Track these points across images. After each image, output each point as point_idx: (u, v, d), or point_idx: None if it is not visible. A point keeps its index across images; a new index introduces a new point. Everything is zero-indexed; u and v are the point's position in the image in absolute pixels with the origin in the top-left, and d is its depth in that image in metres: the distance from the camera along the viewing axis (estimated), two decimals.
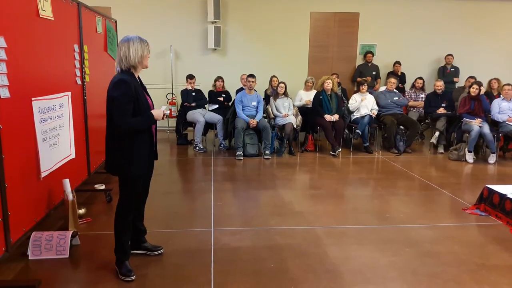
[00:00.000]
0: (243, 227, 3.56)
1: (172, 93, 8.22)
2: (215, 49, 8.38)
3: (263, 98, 6.68)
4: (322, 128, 6.45)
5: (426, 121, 7.18)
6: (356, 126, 6.54)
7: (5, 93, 2.49)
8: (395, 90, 7.09)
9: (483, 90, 6.63)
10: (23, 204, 2.75)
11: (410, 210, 4.06)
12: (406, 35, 8.84)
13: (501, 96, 6.43)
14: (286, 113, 6.51)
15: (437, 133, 6.69)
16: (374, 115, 6.63)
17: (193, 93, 6.96)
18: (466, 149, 6.08)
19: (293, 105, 6.77)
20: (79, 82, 3.84)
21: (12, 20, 2.60)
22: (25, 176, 2.78)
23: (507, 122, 6.12)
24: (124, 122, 2.47)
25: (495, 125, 6.32)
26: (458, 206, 4.20)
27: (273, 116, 6.62)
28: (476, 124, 6.05)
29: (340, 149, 6.43)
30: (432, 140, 6.79)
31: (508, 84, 6.35)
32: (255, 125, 6.21)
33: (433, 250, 3.17)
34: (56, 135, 3.25)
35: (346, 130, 6.95)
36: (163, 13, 8.20)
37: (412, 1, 8.74)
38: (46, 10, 3.06)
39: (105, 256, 2.96)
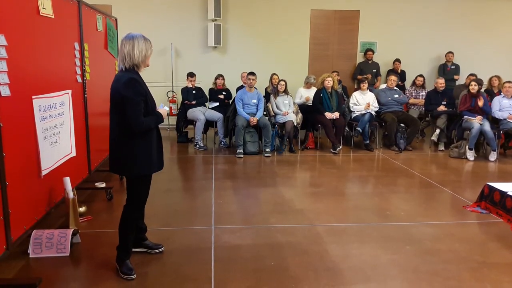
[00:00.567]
0: (244, 225, 3.56)
1: (173, 91, 8.21)
2: (216, 47, 8.36)
3: (264, 96, 6.68)
4: (323, 125, 6.44)
5: (427, 118, 7.18)
6: (357, 123, 6.53)
7: (5, 91, 2.49)
8: (395, 88, 7.09)
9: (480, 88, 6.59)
10: (24, 202, 2.75)
11: (410, 207, 4.06)
12: (406, 32, 8.82)
13: (501, 93, 6.43)
14: (287, 111, 6.51)
15: (437, 131, 6.69)
16: (369, 107, 6.58)
17: (194, 91, 6.95)
18: (467, 146, 6.07)
19: (294, 103, 6.77)
20: (79, 80, 3.84)
21: (13, 18, 2.60)
22: (26, 174, 2.78)
23: (507, 120, 6.11)
24: (140, 122, 2.45)
25: (495, 122, 6.32)
26: (458, 203, 4.20)
27: (273, 114, 6.61)
28: (476, 122, 6.05)
29: (340, 147, 6.42)
30: (432, 138, 6.78)
31: (509, 82, 6.35)
32: (255, 123, 6.20)
33: (433, 248, 3.17)
34: (57, 133, 3.25)
35: (347, 128, 6.95)
36: (163, 11, 8.19)
37: None
38: (46, 8, 3.06)
39: (106, 254, 2.97)
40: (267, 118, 6.44)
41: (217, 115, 6.67)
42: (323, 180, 4.99)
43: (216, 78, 7.26)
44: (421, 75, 7.68)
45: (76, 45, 3.76)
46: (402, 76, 8.52)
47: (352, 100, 6.82)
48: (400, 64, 8.56)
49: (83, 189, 4.16)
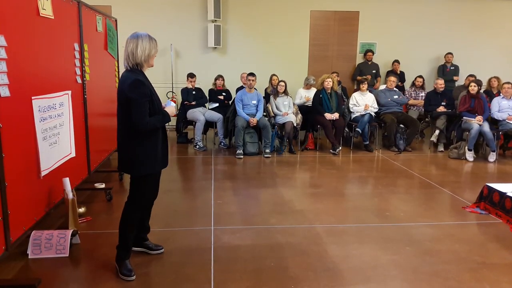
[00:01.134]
0: (243, 226, 3.56)
1: (172, 92, 8.22)
2: (215, 47, 8.37)
3: (263, 97, 6.68)
4: (322, 126, 6.44)
5: (426, 119, 7.18)
6: (356, 124, 6.54)
7: (5, 92, 2.49)
8: (395, 89, 7.09)
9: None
10: (23, 202, 2.74)
11: (410, 208, 4.06)
12: (406, 33, 8.83)
13: (500, 94, 6.44)
14: (286, 111, 6.51)
15: (437, 132, 6.70)
16: (367, 108, 6.58)
17: (193, 92, 6.96)
18: (466, 147, 6.08)
19: (293, 104, 6.77)
20: (79, 80, 3.84)
21: (12, 19, 2.60)
22: (25, 175, 2.78)
23: (507, 121, 6.12)
24: (145, 123, 2.47)
25: (495, 123, 6.33)
26: (458, 204, 4.20)
27: (273, 115, 6.61)
28: (476, 123, 6.05)
29: (340, 148, 6.43)
30: (432, 139, 6.79)
31: (508, 83, 6.36)
32: (255, 124, 6.20)
33: (433, 249, 3.17)
34: (56, 133, 3.25)
35: (346, 129, 6.95)
36: (163, 11, 8.20)
37: (412, 0, 8.72)
38: (46, 9, 3.06)
39: (105, 255, 2.96)
40: (266, 118, 6.44)
41: (217, 116, 6.67)
42: (323, 180, 4.99)
43: (216, 79, 7.27)
44: (420, 76, 7.69)
45: (76, 46, 3.76)
46: (401, 77, 8.53)
47: (351, 101, 6.83)
48: (399, 65, 8.57)
49: (82, 189, 4.15)
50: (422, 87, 7.65)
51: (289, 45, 8.62)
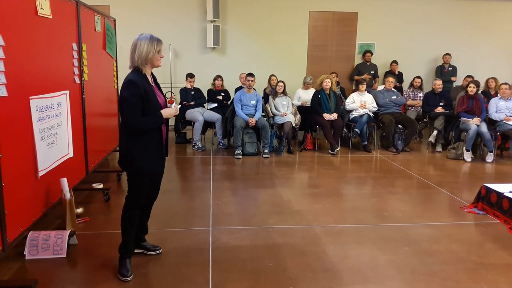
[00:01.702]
0: (242, 226, 3.56)
1: (171, 92, 8.21)
2: (214, 47, 8.37)
3: (262, 97, 6.68)
4: (321, 127, 6.45)
5: (424, 120, 7.19)
6: (355, 125, 6.54)
7: (2, 92, 2.48)
8: (393, 89, 7.10)
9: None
10: (20, 203, 2.73)
11: (408, 208, 4.06)
12: (404, 34, 8.85)
13: (498, 95, 6.45)
14: (285, 112, 6.51)
15: (435, 132, 6.71)
16: (365, 106, 6.58)
17: (192, 92, 6.95)
18: (464, 148, 6.09)
19: (292, 104, 6.77)
20: (77, 80, 3.83)
21: (10, 18, 2.59)
22: (22, 175, 2.77)
23: (504, 121, 6.13)
24: (134, 122, 2.51)
25: (492, 124, 6.34)
26: (456, 204, 4.21)
27: (272, 115, 6.62)
28: (474, 123, 6.07)
29: (338, 148, 6.43)
30: (430, 139, 6.80)
31: (505, 83, 6.38)
32: (254, 124, 6.20)
33: (431, 249, 3.17)
34: (54, 133, 3.24)
35: (345, 129, 6.95)
36: (162, 11, 8.19)
37: (410, 1, 8.74)
38: (44, 8, 3.05)
39: (103, 256, 2.96)
40: (265, 119, 6.44)
41: (215, 116, 6.67)
42: (321, 181, 4.99)
43: (214, 79, 7.26)
44: (418, 77, 7.70)
45: (74, 46, 3.75)
46: (399, 77, 8.54)
47: (349, 100, 6.83)
48: (397, 65, 8.58)
49: (80, 190, 4.14)
50: (420, 88, 7.67)
51: (288, 45, 8.62)
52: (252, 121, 6.18)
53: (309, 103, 6.86)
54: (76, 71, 3.79)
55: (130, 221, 2.71)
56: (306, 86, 7.26)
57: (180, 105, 2.80)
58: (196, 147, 6.53)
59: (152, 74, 2.72)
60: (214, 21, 8.20)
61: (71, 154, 3.60)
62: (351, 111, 6.77)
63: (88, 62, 4.10)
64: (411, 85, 7.76)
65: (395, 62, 8.58)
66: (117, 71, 5.28)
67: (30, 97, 2.84)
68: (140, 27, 7.50)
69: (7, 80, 2.52)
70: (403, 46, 8.86)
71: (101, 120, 4.55)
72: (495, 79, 7.48)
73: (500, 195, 3.83)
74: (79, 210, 3.70)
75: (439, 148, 6.70)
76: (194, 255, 3.01)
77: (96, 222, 3.60)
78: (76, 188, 3.77)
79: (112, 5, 7.96)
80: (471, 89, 6.28)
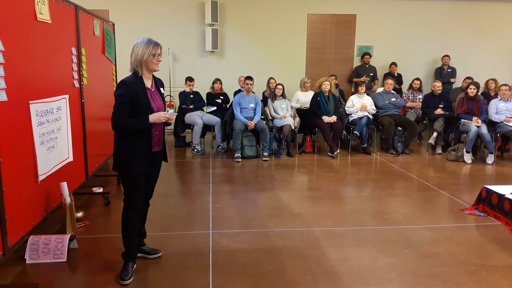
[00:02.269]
0: (242, 229, 3.55)
1: (170, 95, 8.21)
2: (213, 51, 8.38)
3: (261, 100, 6.69)
4: (320, 129, 6.45)
5: (424, 122, 7.20)
6: (354, 127, 6.55)
7: (2, 96, 2.48)
8: (392, 91, 7.11)
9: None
10: (21, 207, 2.73)
11: (408, 211, 4.06)
12: (403, 36, 8.87)
13: (498, 96, 6.46)
14: (284, 114, 6.52)
15: (435, 134, 6.71)
16: (365, 108, 6.59)
17: (191, 95, 6.96)
18: (464, 149, 6.09)
19: (291, 107, 6.78)
20: (76, 85, 3.83)
21: (10, 23, 2.60)
22: (23, 180, 2.77)
23: (504, 122, 6.14)
24: (117, 122, 2.55)
25: (492, 125, 6.34)
26: (456, 206, 4.21)
27: (271, 118, 6.62)
28: (474, 124, 6.07)
29: (338, 151, 6.43)
30: (430, 141, 6.80)
31: (505, 85, 6.39)
32: (253, 127, 6.21)
33: (432, 251, 3.17)
34: (54, 138, 3.24)
35: (344, 131, 6.95)
36: (160, 15, 8.21)
37: (409, 3, 8.77)
38: (43, 13, 3.06)
39: (103, 260, 2.95)
40: (264, 122, 6.45)
41: (214, 119, 6.67)
42: (321, 183, 4.99)
43: (213, 83, 7.27)
44: (417, 79, 7.71)
45: (74, 50, 3.76)
46: (399, 79, 8.55)
47: (348, 103, 6.84)
48: (396, 67, 8.59)
49: (80, 194, 4.15)
50: (419, 90, 7.68)
51: (286, 48, 8.64)
52: (251, 124, 6.18)
53: (308, 105, 6.87)
54: (76, 76, 3.80)
55: (127, 224, 2.71)
56: (305, 87, 7.29)
57: (176, 114, 2.79)
58: (195, 150, 6.53)
59: (156, 79, 2.73)
60: (213, 24, 8.21)
61: (71, 158, 3.60)
62: (350, 114, 6.77)
63: (87, 67, 4.11)
64: (410, 87, 7.77)
65: (394, 64, 8.59)
66: (116, 75, 5.29)
67: (30, 102, 2.84)
68: (139, 31, 7.54)
69: (7, 85, 2.53)
70: (402, 48, 8.88)
71: (100, 124, 4.56)
72: (495, 80, 7.48)
73: (501, 196, 3.83)
74: (79, 214, 3.69)
75: (439, 150, 6.70)
76: (194, 259, 3.00)
77: (96, 226, 3.60)
78: (76, 192, 3.77)
79: (111, 9, 7.99)
80: (471, 91, 6.29)
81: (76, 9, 3.83)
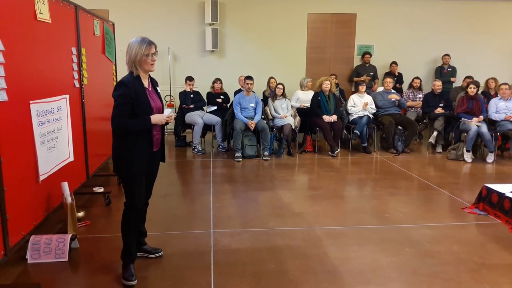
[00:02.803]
0: (243, 229, 3.55)
1: (170, 95, 8.21)
2: (213, 50, 8.38)
3: (261, 100, 6.69)
4: (321, 129, 6.45)
5: (424, 121, 7.20)
6: (355, 126, 6.55)
7: (2, 96, 2.48)
8: (392, 90, 7.10)
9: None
10: (22, 207, 2.74)
11: (409, 210, 4.06)
12: (403, 35, 8.86)
13: (498, 95, 6.46)
14: (285, 114, 6.52)
15: (435, 133, 6.71)
16: (366, 106, 6.59)
17: (192, 95, 6.96)
18: (464, 148, 6.09)
19: (291, 106, 6.78)
20: (77, 84, 3.83)
21: (10, 23, 2.60)
22: (24, 180, 2.77)
23: (505, 119, 6.12)
24: (117, 122, 2.52)
25: (492, 124, 6.35)
26: (457, 205, 4.21)
27: (271, 117, 6.62)
28: (474, 124, 6.07)
29: (338, 150, 6.43)
30: (430, 140, 6.80)
31: (505, 84, 6.39)
32: (253, 127, 6.21)
33: (433, 250, 3.17)
34: (54, 138, 3.24)
35: (345, 131, 6.96)
36: (160, 15, 8.20)
37: (409, 2, 8.76)
38: (43, 13, 3.06)
39: (105, 259, 2.96)
40: (265, 121, 6.45)
41: (215, 119, 6.67)
42: (322, 183, 4.99)
43: (214, 82, 7.27)
44: (418, 78, 7.71)
45: (74, 50, 3.76)
46: (399, 78, 8.55)
47: (349, 103, 6.84)
48: (397, 66, 8.59)
49: (81, 194, 4.15)
50: (419, 89, 7.68)
51: (286, 47, 8.63)
52: (252, 123, 6.19)
53: (307, 105, 6.87)
54: (76, 75, 3.80)
55: (128, 226, 2.70)
56: (307, 87, 7.31)
57: (175, 114, 2.79)
58: (196, 150, 6.53)
59: (151, 78, 2.72)
60: (213, 24, 8.21)
61: (71, 158, 3.61)
62: (350, 113, 6.77)
63: (87, 66, 4.11)
64: (411, 86, 7.77)
65: (394, 63, 8.59)
66: (116, 75, 5.29)
67: (30, 102, 2.85)
68: (139, 30, 7.52)
69: (7, 85, 2.53)
70: (402, 47, 8.87)
71: (101, 123, 4.56)
72: (495, 79, 7.49)
73: (501, 195, 3.83)
74: (80, 214, 3.70)
75: (439, 149, 6.71)
76: (195, 258, 3.01)
77: (97, 226, 3.60)
78: (77, 192, 3.77)
79: (111, 9, 7.98)
80: (472, 90, 6.29)
81: (76, 8, 3.83)
